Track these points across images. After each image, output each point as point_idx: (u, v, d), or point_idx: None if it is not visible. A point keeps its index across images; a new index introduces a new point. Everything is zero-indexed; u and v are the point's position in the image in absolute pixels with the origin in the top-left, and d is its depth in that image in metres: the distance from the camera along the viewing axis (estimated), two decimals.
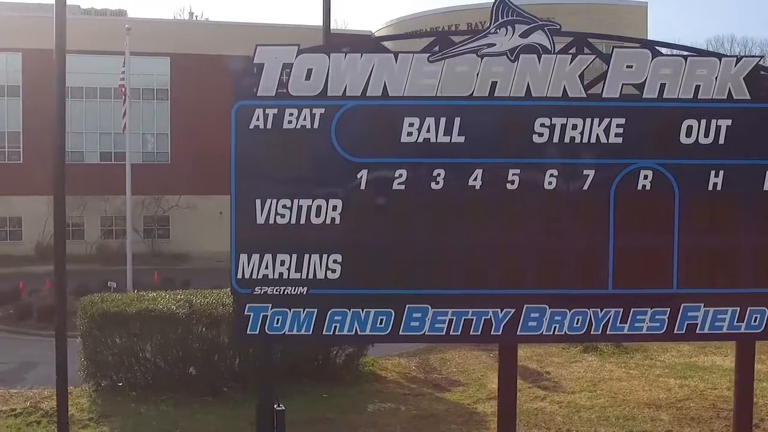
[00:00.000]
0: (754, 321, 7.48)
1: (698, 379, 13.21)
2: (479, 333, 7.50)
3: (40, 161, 35.19)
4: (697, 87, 7.36)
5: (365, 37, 37.82)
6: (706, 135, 7.35)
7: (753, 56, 7.58)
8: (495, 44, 7.35)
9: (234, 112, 7.43)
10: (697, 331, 7.51)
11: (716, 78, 7.35)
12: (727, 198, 7.40)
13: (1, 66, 35.72)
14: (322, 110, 7.38)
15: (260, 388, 7.90)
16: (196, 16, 46.62)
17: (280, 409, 7.89)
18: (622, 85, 7.40)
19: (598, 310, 7.45)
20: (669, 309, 7.45)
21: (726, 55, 7.48)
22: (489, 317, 7.47)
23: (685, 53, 7.48)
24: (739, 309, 7.46)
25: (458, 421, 11.38)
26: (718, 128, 7.34)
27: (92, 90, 35.69)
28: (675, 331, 7.51)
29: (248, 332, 7.54)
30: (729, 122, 7.33)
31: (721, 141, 7.34)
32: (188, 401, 12.19)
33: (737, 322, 7.48)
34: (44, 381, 13.81)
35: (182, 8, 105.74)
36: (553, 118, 7.33)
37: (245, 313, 7.50)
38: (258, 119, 7.39)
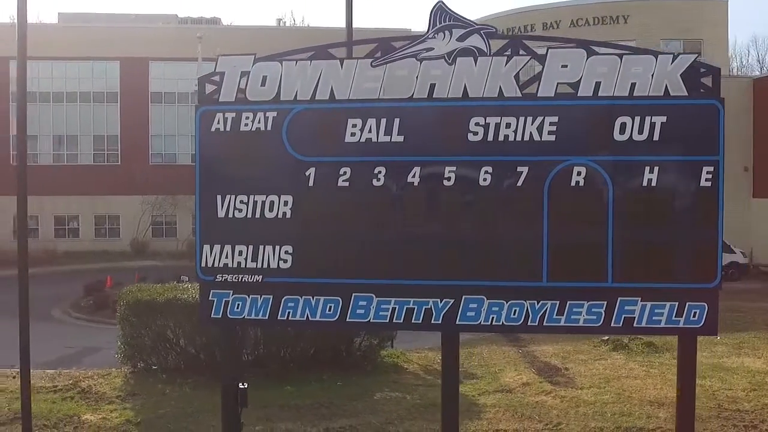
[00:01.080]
0: (693, 316, 7.51)
1: (717, 379, 12.98)
2: (420, 321, 7.89)
3: (135, 163, 37.84)
4: (633, 84, 7.49)
5: None
6: (640, 132, 7.46)
7: (690, 53, 7.63)
8: (433, 48, 7.74)
9: (198, 116, 8.15)
10: (635, 325, 7.61)
11: (653, 75, 7.46)
12: (662, 194, 7.50)
13: (100, 73, 38.46)
14: (275, 113, 7.99)
15: (224, 367, 8.58)
16: (284, 23, 48.31)
17: (242, 387, 8.54)
18: (557, 84, 7.62)
19: (535, 302, 7.69)
20: (605, 302, 7.61)
21: (663, 53, 7.58)
22: (429, 306, 7.85)
23: (621, 51, 7.61)
24: (677, 304, 7.52)
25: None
26: (652, 125, 7.44)
27: (184, 95, 37.80)
28: (612, 324, 7.65)
29: (212, 316, 8.23)
30: (664, 119, 7.43)
31: (656, 137, 7.45)
32: (211, 384, 13.02)
33: (676, 316, 7.54)
34: (99, 364, 15.14)
35: (284, 15, 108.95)
36: (487, 118, 7.66)
37: (209, 298, 8.20)
38: (218, 122, 8.09)
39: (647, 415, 11.16)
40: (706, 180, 7.40)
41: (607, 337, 15.77)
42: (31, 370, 14.40)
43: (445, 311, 7.83)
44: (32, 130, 39.90)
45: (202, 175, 8.21)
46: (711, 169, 7.40)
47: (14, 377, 13.84)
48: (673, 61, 7.45)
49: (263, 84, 8.03)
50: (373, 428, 10.94)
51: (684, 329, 7.59)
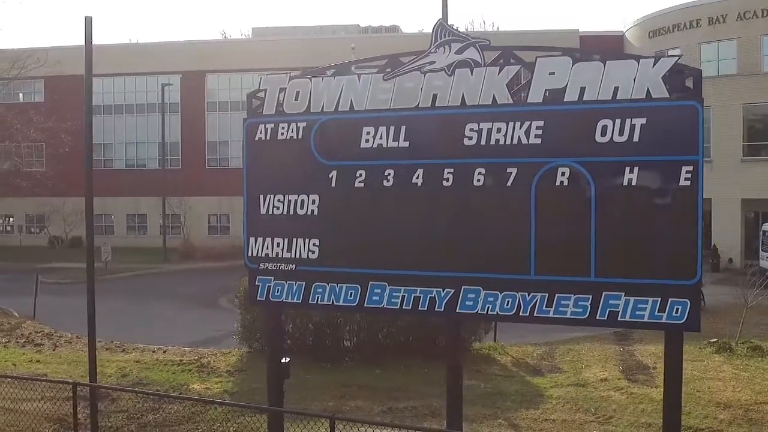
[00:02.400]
0: (676, 312, 7.72)
1: None
2: (426, 308, 8.72)
3: None
4: (616, 88, 7.84)
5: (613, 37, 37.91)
6: (621, 133, 7.80)
7: (672, 56, 7.82)
8: (435, 62, 8.55)
9: (245, 127, 9.56)
10: (619, 319, 7.90)
11: (635, 79, 7.77)
12: (642, 193, 7.77)
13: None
14: (305, 123, 9.19)
15: (269, 344, 9.90)
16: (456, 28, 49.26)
17: (285, 361, 9.84)
18: (545, 90, 8.14)
19: (525, 293, 8.24)
20: (591, 296, 8.01)
21: (645, 57, 7.84)
22: (433, 295, 8.66)
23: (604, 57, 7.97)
24: (660, 299, 7.76)
25: (518, 399, 12.30)
26: (632, 126, 7.76)
27: None
28: (597, 317, 8.00)
29: (257, 298, 9.59)
30: (644, 120, 7.71)
31: (636, 139, 7.75)
32: (312, 365, 14.55)
33: (658, 311, 7.79)
34: (236, 345, 17.12)
35: (472, 20, 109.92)
36: (480, 123, 8.34)
37: (255, 283, 9.57)
38: (261, 132, 9.44)
39: (705, 416, 11.07)
40: (686, 179, 7.59)
41: (715, 339, 15.42)
42: (171, 347, 16.82)
43: (447, 300, 8.60)
44: (224, 137, 44.35)
45: (248, 178, 9.59)
46: (690, 168, 7.57)
47: (153, 352, 16.23)
48: (654, 65, 7.72)
49: (296, 98, 9.26)
50: (431, 410, 11.80)
51: (667, 324, 7.80)
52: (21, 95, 45.01)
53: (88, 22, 8.47)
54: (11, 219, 45.45)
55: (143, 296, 26.41)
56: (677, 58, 7.79)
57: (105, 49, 44.48)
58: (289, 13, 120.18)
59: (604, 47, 39.40)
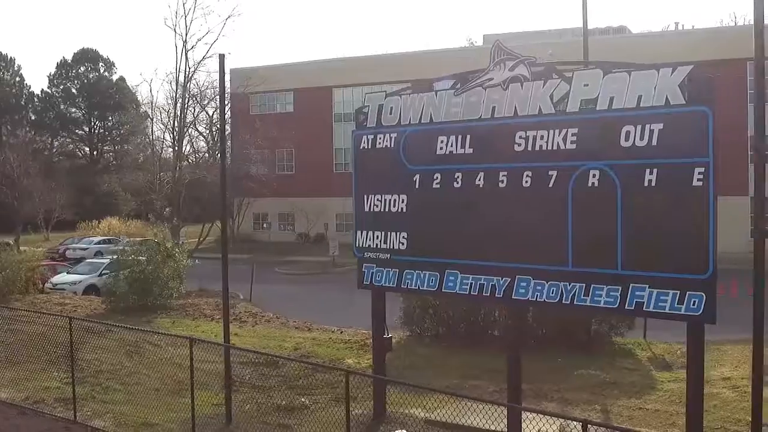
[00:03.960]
0: (693, 304, 8.31)
1: None
2: (488, 294, 10.02)
3: None
4: (640, 97, 8.61)
5: None
6: (641, 138, 8.56)
7: (687, 64, 8.36)
8: (493, 78, 9.85)
9: (353, 138, 11.48)
10: (644, 309, 8.66)
11: (655, 87, 8.50)
12: (659, 192, 8.45)
13: None
14: (395, 134, 10.90)
15: (373, 322, 11.68)
16: (682, 26, 46.78)
17: (387, 336, 11.58)
18: (581, 100, 9.08)
19: (567, 283, 9.24)
20: (620, 287, 8.82)
21: (664, 65, 8.48)
22: (494, 283, 9.94)
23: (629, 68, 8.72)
24: (678, 292, 8.39)
25: (627, 390, 12.89)
26: (651, 131, 8.49)
27: None
28: (626, 307, 8.82)
29: (364, 282, 11.47)
30: (661, 125, 8.41)
31: (654, 143, 8.46)
32: (458, 349, 16.10)
33: (678, 303, 8.42)
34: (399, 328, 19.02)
35: (721, 19, 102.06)
36: (527, 131, 9.48)
37: (362, 269, 11.45)
38: (364, 142, 11.30)
39: None
40: (698, 180, 8.19)
41: None
42: (349, 329, 19.19)
43: (504, 287, 9.84)
44: None
45: (356, 181, 11.49)
46: (702, 169, 8.17)
47: (332, 332, 18.68)
48: (672, 73, 8.39)
49: (391, 113, 10.99)
50: (537, 392, 12.82)
51: (686, 316, 8.39)
52: (277, 106, 50.95)
53: (221, 58, 10.85)
54: (267, 216, 51.56)
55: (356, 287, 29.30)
56: (692, 66, 8.35)
57: (344, 63, 49.00)
58: (522, 17, 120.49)
59: None
